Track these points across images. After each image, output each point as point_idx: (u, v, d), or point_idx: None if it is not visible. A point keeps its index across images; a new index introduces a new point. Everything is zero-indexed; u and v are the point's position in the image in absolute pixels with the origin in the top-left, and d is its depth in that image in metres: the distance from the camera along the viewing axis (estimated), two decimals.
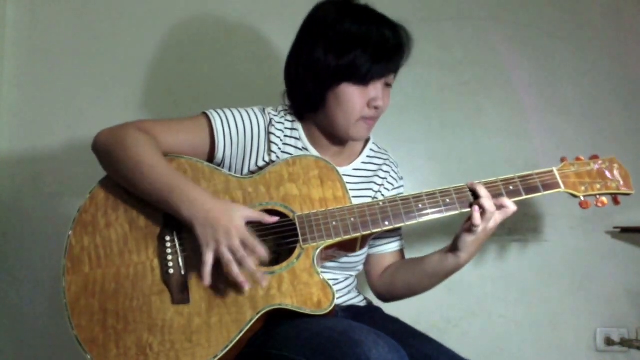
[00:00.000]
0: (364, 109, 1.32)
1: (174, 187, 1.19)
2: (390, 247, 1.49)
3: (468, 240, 1.27)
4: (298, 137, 1.40)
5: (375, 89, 1.31)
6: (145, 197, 1.23)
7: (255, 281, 1.17)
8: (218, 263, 1.21)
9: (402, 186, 1.53)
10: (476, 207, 1.24)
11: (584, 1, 2.13)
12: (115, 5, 2.03)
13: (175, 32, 2.03)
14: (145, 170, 1.20)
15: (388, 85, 1.36)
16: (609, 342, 2.05)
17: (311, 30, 1.35)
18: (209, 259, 1.15)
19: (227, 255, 1.14)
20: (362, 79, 1.29)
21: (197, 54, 2.04)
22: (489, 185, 1.28)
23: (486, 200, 1.24)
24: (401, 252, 1.52)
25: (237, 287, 1.19)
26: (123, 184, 1.26)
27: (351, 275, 1.45)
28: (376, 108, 1.33)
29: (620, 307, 2.07)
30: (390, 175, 1.49)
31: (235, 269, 1.15)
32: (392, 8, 2.05)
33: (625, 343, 2.04)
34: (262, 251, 1.17)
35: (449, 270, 1.34)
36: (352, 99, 1.30)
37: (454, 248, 1.30)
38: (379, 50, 1.28)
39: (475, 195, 1.26)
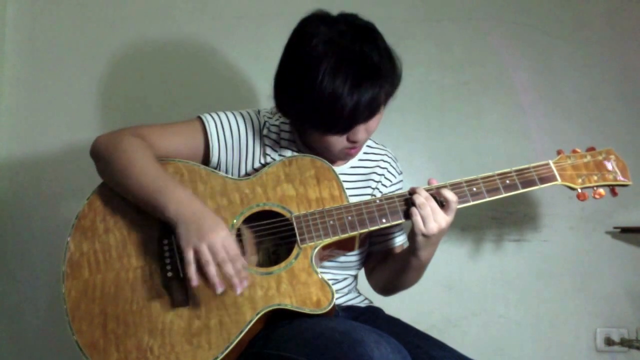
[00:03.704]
0: (343, 143, 1.28)
1: (161, 188, 1.19)
2: (390, 244, 1.48)
3: (418, 241, 1.25)
4: (293, 139, 1.40)
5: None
6: (135, 200, 1.23)
7: (230, 286, 1.14)
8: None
9: (401, 181, 1.51)
10: (413, 210, 1.23)
11: (584, 1, 2.13)
12: (115, 5, 2.03)
13: (175, 33, 2.03)
14: (134, 173, 1.21)
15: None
16: (609, 342, 2.06)
17: (286, 71, 1.27)
18: (190, 257, 1.13)
19: (206, 256, 1.13)
20: (336, 133, 1.25)
21: (196, 54, 2.04)
22: (485, 180, 1.27)
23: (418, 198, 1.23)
24: (400, 248, 1.50)
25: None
26: (116, 188, 1.26)
27: (350, 275, 1.45)
28: (354, 142, 1.28)
29: (620, 307, 2.07)
30: (389, 171, 1.47)
31: (212, 270, 1.13)
32: (393, 8, 2.07)
33: (625, 343, 2.04)
34: (242, 262, 1.15)
35: (416, 268, 1.33)
36: (329, 140, 1.27)
37: (411, 248, 1.29)
38: (344, 119, 1.20)
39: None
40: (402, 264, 1.36)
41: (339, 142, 1.27)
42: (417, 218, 1.22)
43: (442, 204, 1.24)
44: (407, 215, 1.25)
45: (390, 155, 1.50)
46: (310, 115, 1.22)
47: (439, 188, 1.25)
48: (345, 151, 1.30)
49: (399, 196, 1.27)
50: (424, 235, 1.23)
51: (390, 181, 1.47)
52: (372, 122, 1.27)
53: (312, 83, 1.16)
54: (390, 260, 1.44)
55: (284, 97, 1.28)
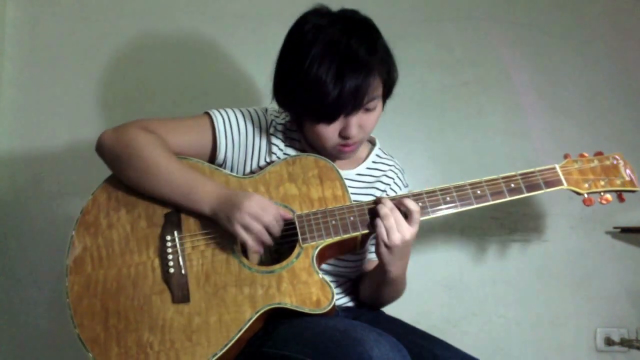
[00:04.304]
0: (336, 138, 1.28)
1: (192, 186, 1.22)
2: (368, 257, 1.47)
3: (383, 253, 1.22)
4: (298, 139, 1.40)
5: (344, 121, 1.26)
6: (160, 197, 1.25)
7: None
8: (216, 262, 1.21)
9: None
10: (378, 222, 1.21)
11: (584, 1, 2.13)
12: (115, 5, 2.03)
13: (175, 32, 2.03)
14: (161, 172, 1.22)
15: (368, 110, 1.27)
16: (609, 342, 2.05)
17: (282, 59, 1.29)
18: (242, 234, 1.18)
19: (254, 225, 1.17)
20: (324, 121, 1.25)
21: (197, 54, 2.04)
22: (489, 183, 1.27)
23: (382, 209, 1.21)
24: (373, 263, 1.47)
25: (236, 286, 1.20)
26: (134, 185, 1.27)
27: (350, 279, 1.45)
28: (348, 138, 1.27)
29: (620, 307, 2.07)
30: (395, 182, 1.47)
31: (267, 239, 1.19)
32: (393, 8, 2.07)
33: (625, 343, 2.04)
34: (286, 214, 1.22)
35: (387, 283, 1.30)
36: (321, 131, 1.26)
37: (379, 262, 1.26)
38: (329, 107, 1.21)
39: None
40: (376, 280, 1.34)
41: (331, 136, 1.27)
42: (381, 230, 1.20)
43: (406, 214, 1.22)
44: (371, 226, 1.23)
45: (397, 167, 1.50)
46: (300, 102, 1.24)
47: (402, 198, 1.24)
48: (338, 148, 1.30)
49: (414, 195, 1.26)
50: (387, 246, 1.20)
51: (395, 192, 1.46)
52: (367, 120, 1.27)
53: (300, 68, 1.19)
54: (366, 277, 1.42)
55: (280, 85, 1.29)
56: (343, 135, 1.26)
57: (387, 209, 1.20)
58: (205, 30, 2.04)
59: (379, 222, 1.20)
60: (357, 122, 1.25)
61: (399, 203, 1.22)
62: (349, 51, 1.19)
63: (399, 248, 1.20)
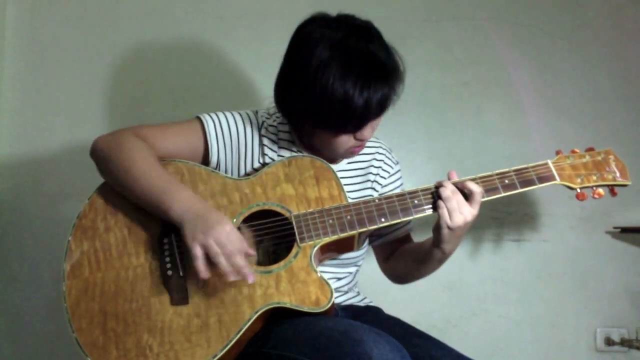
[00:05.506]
0: (351, 142, 1.29)
1: (165, 189, 1.20)
2: (396, 235, 1.49)
3: (444, 234, 1.25)
4: (292, 140, 1.40)
5: None
6: (138, 201, 1.24)
7: (242, 277, 1.15)
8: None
9: (399, 170, 1.52)
10: (440, 204, 1.24)
11: (584, 1, 2.13)
12: (115, 5, 2.03)
13: (175, 32, 2.04)
14: (137, 174, 1.21)
15: None
16: (609, 342, 2.05)
17: (292, 78, 1.26)
18: (197, 252, 1.13)
19: (214, 249, 1.13)
20: (347, 133, 1.26)
21: (197, 54, 2.04)
22: (484, 180, 1.28)
23: (445, 191, 1.24)
24: (408, 236, 1.52)
25: (235, 287, 1.20)
26: (119, 189, 1.27)
27: (350, 273, 1.45)
28: (361, 140, 1.29)
29: (620, 307, 2.07)
30: (385, 162, 1.48)
31: (223, 261, 1.13)
32: (393, 8, 2.07)
33: (625, 343, 2.04)
34: (251, 253, 1.17)
35: (439, 260, 1.34)
36: (338, 140, 1.27)
37: (435, 242, 1.29)
38: (357, 118, 1.21)
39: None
40: (424, 256, 1.36)
41: (347, 141, 1.27)
42: (444, 211, 1.23)
43: (467, 196, 1.24)
44: (434, 208, 1.26)
45: (384, 147, 1.51)
46: (322, 118, 1.23)
47: (464, 181, 1.26)
48: (351, 150, 1.31)
49: (398, 195, 1.27)
50: (449, 228, 1.23)
51: (388, 172, 1.48)
52: (377, 120, 1.28)
53: (323, 88, 1.17)
54: (409, 251, 1.45)
55: (291, 102, 1.28)
56: (359, 138, 1.27)
57: (449, 192, 1.23)
58: (206, 31, 2.05)
59: (441, 204, 1.23)
60: (371, 125, 1.27)
61: (461, 185, 1.25)
62: (372, 60, 1.19)
63: (460, 229, 1.24)
